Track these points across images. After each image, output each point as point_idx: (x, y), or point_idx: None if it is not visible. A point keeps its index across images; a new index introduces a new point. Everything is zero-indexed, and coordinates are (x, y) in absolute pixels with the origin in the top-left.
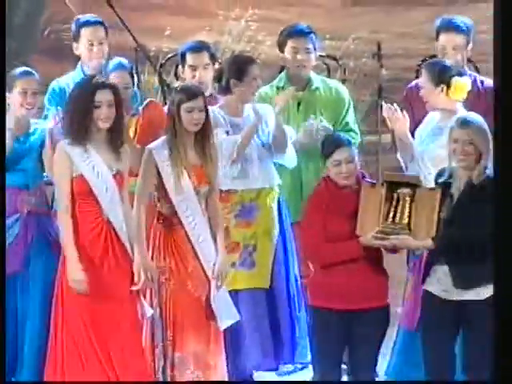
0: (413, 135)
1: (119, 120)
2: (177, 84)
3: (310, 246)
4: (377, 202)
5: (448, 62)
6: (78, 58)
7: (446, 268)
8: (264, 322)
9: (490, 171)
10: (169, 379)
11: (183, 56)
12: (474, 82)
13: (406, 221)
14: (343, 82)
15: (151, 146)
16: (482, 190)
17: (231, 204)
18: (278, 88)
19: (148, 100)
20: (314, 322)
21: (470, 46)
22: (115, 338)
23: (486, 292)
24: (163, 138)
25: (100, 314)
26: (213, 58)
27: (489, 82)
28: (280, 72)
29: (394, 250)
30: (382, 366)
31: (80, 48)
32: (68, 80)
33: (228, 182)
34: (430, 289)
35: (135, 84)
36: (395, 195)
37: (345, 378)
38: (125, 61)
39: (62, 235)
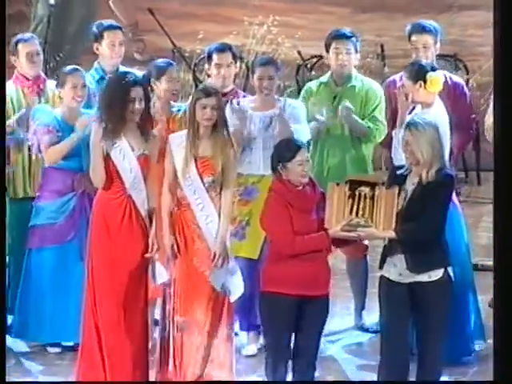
0: (394, 123)
1: (147, 111)
2: (208, 80)
3: (281, 239)
4: (341, 199)
5: (423, 61)
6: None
7: (401, 256)
8: (246, 292)
9: (446, 171)
10: (172, 340)
11: (210, 56)
12: (444, 77)
13: (368, 215)
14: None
15: (173, 135)
16: (429, 190)
17: (237, 184)
18: (321, 83)
19: None
20: (267, 307)
21: (438, 45)
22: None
23: (436, 275)
24: (185, 131)
25: (116, 278)
26: (235, 57)
27: (456, 78)
28: (297, 70)
29: (358, 240)
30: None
31: (102, 48)
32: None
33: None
34: (386, 274)
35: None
36: (357, 193)
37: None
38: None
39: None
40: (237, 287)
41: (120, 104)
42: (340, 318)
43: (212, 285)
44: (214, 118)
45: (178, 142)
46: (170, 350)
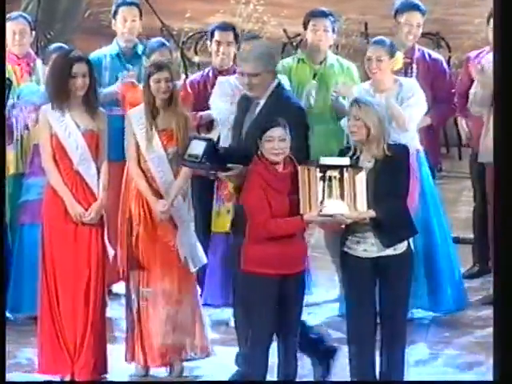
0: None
1: (92, 88)
2: (196, 58)
3: (257, 220)
4: (313, 183)
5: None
6: (114, 35)
7: (368, 232)
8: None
9: (397, 142)
10: (140, 310)
11: (212, 33)
12: (423, 55)
13: (340, 198)
14: (335, 54)
15: (131, 111)
16: (386, 164)
17: None
18: (298, 60)
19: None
20: (249, 286)
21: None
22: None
23: (401, 247)
24: (142, 105)
25: (67, 250)
26: (237, 37)
27: (435, 54)
28: (283, 48)
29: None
30: None
31: (115, 24)
32: (105, 52)
33: (226, 144)
34: (350, 251)
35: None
36: (327, 176)
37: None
38: (165, 41)
39: (50, 179)
40: (199, 258)
41: (62, 79)
42: (325, 290)
43: (177, 255)
44: (168, 90)
45: (138, 117)
46: (138, 323)
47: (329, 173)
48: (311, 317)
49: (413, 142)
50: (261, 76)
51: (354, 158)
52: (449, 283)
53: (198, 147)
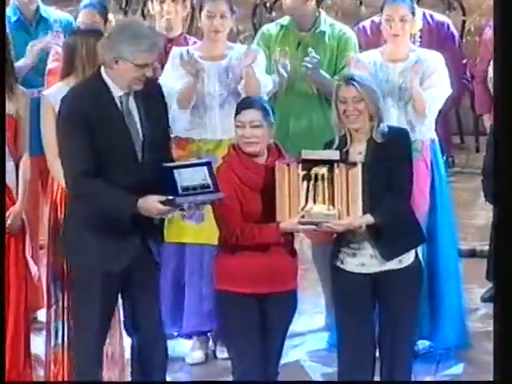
0: None
1: (11, 66)
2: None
3: (225, 224)
4: (294, 183)
5: None
6: None
7: (365, 242)
8: (204, 280)
9: (395, 126)
10: (64, 340)
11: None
12: (424, 17)
13: (328, 201)
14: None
15: (47, 92)
16: (381, 154)
17: (187, 153)
18: (282, 26)
19: None
20: (223, 308)
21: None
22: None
23: (408, 259)
24: (59, 84)
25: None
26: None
27: (440, 16)
28: (254, 11)
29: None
30: None
31: None
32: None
33: (185, 130)
34: (342, 266)
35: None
36: (312, 174)
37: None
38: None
39: None
40: None
41: None
42: (309, 316)
43: None
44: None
45: (58, 98)
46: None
47: (315, 170)
48: (290, 350)
49: (429, 129)
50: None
51: (342, 150)
52: (449, 316)
53: (195, 175)
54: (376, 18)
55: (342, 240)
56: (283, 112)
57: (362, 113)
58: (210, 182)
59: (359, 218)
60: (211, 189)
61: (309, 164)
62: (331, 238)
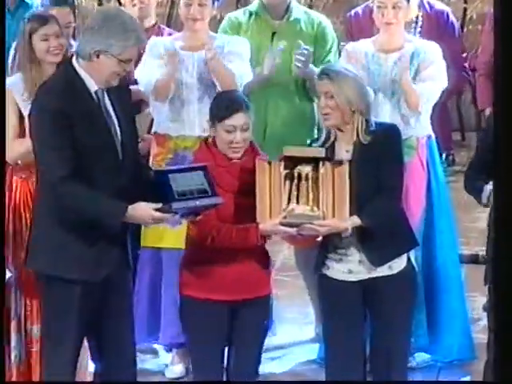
0: None
1: None
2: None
3: (200, 222)
4: (276, 183)
5: None
6: None
7: (352, 248)
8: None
9: (384, 122)
10: (25, 354)
11: None
12: (422, 4)
13: (313, 202)
14: (309, 8)
15: (7, 83)
16: (369, 151)
17: (165, 150)
18: (251, 14)
19: None
20: (188, 315)
21: None
22: None
23: (399, 265)
24: (18, 74)
25: None
26: None
27: (439, 4)
28: None
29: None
30: None
31: None
32: None
33: (163, 125)
34: (328, 273)
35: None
36: (295, 173)
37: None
38: None
39: None
40: None
41: None
42: (298, 326)
43: None
44: (61, 48)
45: (18, 88)
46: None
47: (298, 169)
48: (275, 363)
49: (425, 125)
50: None
51: (328, 147)
52: (450, 327)
53: (191, 180)
54: (371, 4)
55: (328, 245)
56: (259, 106)
57: (334, 110)
58: (207, 186)
59: (346, 220)
60: (209, 193)
61: (292, 162)
62: (314, 243)
